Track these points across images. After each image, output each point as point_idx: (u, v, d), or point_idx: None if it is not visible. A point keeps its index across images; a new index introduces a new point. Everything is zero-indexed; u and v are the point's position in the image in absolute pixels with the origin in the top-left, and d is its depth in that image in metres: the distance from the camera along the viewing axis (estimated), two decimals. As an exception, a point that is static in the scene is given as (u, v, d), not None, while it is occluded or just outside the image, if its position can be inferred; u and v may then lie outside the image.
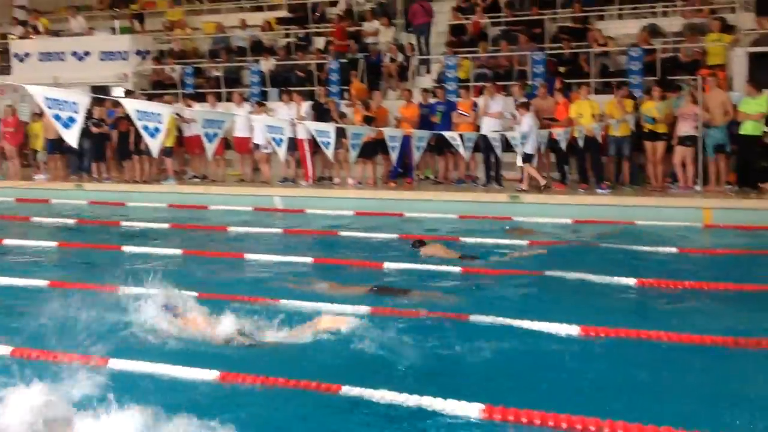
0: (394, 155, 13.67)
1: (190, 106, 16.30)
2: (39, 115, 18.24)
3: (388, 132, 13.05)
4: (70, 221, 13.89)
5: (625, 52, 16.13)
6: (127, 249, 10.91)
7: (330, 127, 11.34)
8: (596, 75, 16.29)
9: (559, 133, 13.92)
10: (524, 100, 14.85)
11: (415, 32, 18.99)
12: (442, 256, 10.07)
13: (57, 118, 7.05)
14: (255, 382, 5.83)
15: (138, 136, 16.57)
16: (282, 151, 11.24)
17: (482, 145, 14.81)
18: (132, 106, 8.09)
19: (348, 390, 5.62)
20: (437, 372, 6.20)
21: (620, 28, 17.75)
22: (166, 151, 16.87)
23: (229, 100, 17.78)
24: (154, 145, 8.15)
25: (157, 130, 7.88)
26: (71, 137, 7.24)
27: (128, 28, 22.07)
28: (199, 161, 17.22)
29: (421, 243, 10.47)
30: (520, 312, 7.42)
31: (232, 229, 12.80)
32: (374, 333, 7.09)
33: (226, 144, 16.91)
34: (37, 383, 4.63)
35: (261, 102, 17.35)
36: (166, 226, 13.16)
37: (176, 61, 20.26)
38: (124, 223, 13.50)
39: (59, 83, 17.43)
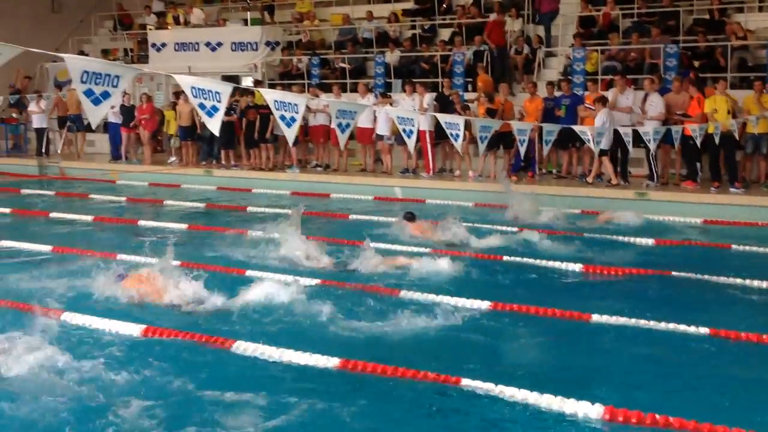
0: (522, 149, 13.55)
1: (317, 96, 16.55)
2: (173, 103, 19.03)
3: (517, 125, 12.90)
4: (200, 205, 14.39)
5: (765, 45, 15.30)
6: (253, 233, 11.20)
7: (460, 119, 11.30)
8: (734, 69, 15.54)
9: (694, 129, 13.35)
10: (600, 94, 14.60)
11: (542, 21, 18.65)
12: (427, 237, 10.56)
13: (201, 107, 7.33)
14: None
15: (264, 125, 17.08)
16: (411, 143, 11.30)
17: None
18: (271, 96, 8.31)
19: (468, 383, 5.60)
20: (561, 371, 6.09)
21: (761, 21, 16.86)
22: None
23: (353, 90, 17.97)
24: (291, 134, 8.33)
25: (293, 119, 8.06)
26: (214, 125, 7.51)
27: (259, 19, 22.63)
28: (322, 150, 17.49)
29: (412, 217, 10.99)
30: (646, 312, 7.20)
31: (353, 216, 12.94)
32: (490, 327, 7.05)
33: (349, 134, 17.12)
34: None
35: (385, 93, 17.45)
36: (289, 212, 13.40)
37: (304, 51, 20.63)
38: (249, 209, 13.87)
39: (192, 72, 18.02)
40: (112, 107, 17.76)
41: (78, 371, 5.85)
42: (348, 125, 9.12)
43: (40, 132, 20.12)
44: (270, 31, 21.46)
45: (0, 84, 20.41)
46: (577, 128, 13.83)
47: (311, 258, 9.42)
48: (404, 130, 11.07)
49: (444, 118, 11.72)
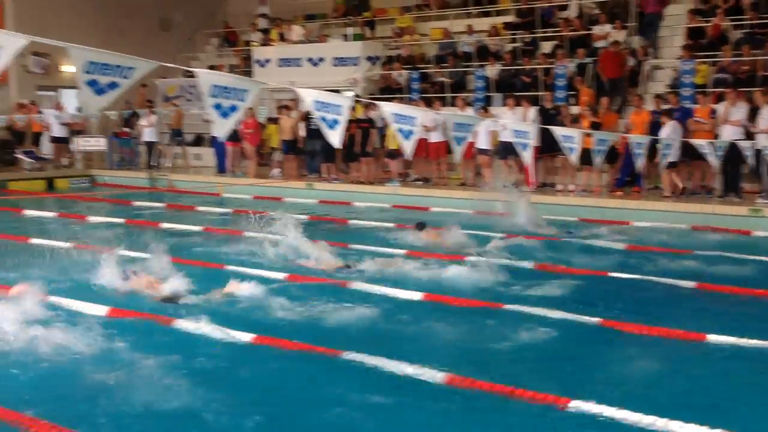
0: (639, 162, 13.30)
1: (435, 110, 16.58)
2: (274, 118, 19.45)
3: (634, 139, 12.65)
4: (302, 217, 14.59)
5: None
6: (353, 246, 11.29)
7: (576, 132, 11.14)
8: None
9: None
10: (711, 107, 14.36)
11: (646, 25, 18.22)
12: (438, 243, 11.13)
13: (323, 120, 7.46)
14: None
15: (365, 139, 17.24)
16: (528, 156, 11.22)
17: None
18: (389, 110, 8.39)
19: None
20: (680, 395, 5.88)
21: None
22: (390, 154, 17.37)
23: (452, 105, 17.95)
24: (408, 146, 8.39)
25: (411, 132, 8.12)
26: (335, 138, 7.64)
27: (360, 35, 22.91)
28: (422, 164, 17.52)
29: (422, 226, 11.76)
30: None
31: (454, 230, 12.84)
32: (598, 345, 6.89)
33: (448, 148, 17.11)
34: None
35: (485, 107, 17.37)
36: (390, 225, 13.48)
37: (403, 66, 20.76)
38: (351, 222, 14.00)
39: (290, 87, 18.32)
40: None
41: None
42: (464, 138, 9.12)
43: (150, 145, 20.87)
44: (370, 47, 21.69)
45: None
46: (695, 142, 13.45)
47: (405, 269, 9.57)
48: (520, 144, 10.99)
49: (560, 131, 11.57)
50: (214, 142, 20.42)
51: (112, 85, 5.93)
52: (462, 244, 11.15)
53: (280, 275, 9.38)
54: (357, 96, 19.82)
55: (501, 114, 16.64)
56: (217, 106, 6.60)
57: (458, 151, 9.35)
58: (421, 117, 8.40)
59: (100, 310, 7.79)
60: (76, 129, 21.57)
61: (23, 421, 5.16)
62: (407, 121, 8.09)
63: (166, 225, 13.36)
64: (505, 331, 7.28)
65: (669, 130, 14.06)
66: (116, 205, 17.08)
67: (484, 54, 20.18)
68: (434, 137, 16.68)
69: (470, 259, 10.30)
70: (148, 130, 20.77)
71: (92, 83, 5.90)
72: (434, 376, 5.99)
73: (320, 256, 10.08)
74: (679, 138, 13.80)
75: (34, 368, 6.29)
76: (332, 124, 7.44)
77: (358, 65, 21.15)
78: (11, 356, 6.50)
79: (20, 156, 20.47)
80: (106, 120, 21.65)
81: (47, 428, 5.04)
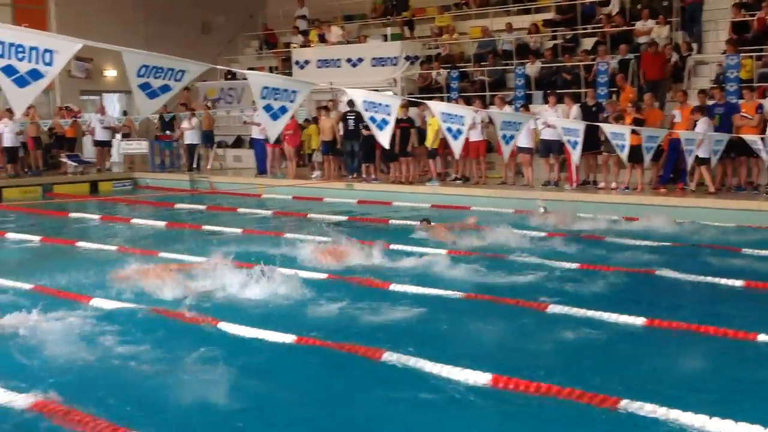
0: (690, 159, 13.12)
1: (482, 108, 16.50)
2: (315, 118, 19.51)
3: (685, 135, 12.49)
4: (342, 218, 14.62)
5: None
6: (394, 246, 11.25)
7: (625, 129, 11.01)
8: None
9: None
10: (759, 102, 13.96)
11: (688, 19, 17.93)
12: (442, 239, 11.44)
13: (373, 120, 7.46)
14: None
15: (405, 139, 17.20)
16: (577, 154, 11.11)
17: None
18: (438, 109, 8.37)
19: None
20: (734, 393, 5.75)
21: None
22: (430, 153, 17.32)
23: (492, 103, 17.83)
24: (457, 146, 8.37)
25: (459, 131, 8.10)
26: (384, 138, 7.63)
27: (399, 34, 22.88)
28: (461, 163, 17.43)
29: (428, 222, 12.26)
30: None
31: (495, 229, 12.76)
32: (645, 344, 6.77)
33: (487, 147, 17.03)
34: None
35: (525, 105, 17.23)
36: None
37: (443, 65, 20.68)
38: (391, 222, 13.97)
39: (333, 88, 18.39)
40: (259, 124, 18.33)
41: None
42: (512, 137, 9.05)
43: (191, 148, 21.07)
44: (409, 46, 21.64)
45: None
46: (747, 137, 13.21)
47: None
48: (569, 141, 10.87)
49: (612, 129, 11.45)
50: (253, 143, 20.55)
51: (164, 88, 6.00)
52: (472, 240, 11.40)
53: (322, 275, 9.38)
54: (396, 95, 19.83)
55: (542, 112, 16.49)
56: (268, 108, 6.63)
57: (506, 150, 9.28)
58: (469, 116, 8.33)
59: (144, 310, 7.86)
60: (123, 132, 21.88)
61: (81, 419, 5.19)
62: (456, 121, 8.06)
63: (207, 227, 13.44)
64: (550, 331, 7.21)
65: (702, 126, 13.88)
66: (158, 207, 17.27)
67: (524, 52, 20.03)
68: (474, 136, 16.59)
69: (513, 258, 10.21)
70: (189, 132, 20.96)
71: (144, 86, 5.98)
72: (478, 377, 5.92)
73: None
74: (711, 134, 13.57)
75: (85, 368, 6.37)
76: (382, 125, 7.43)
77: (397, 65, 21.11)
78: (64, 357, 6.57)
79: (64, 159, 20.78)
80: (148, 123, 21.90)
81: (106, 428, 5.06)
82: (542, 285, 8.91)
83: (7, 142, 19.46)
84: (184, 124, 21.01)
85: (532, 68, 19.01)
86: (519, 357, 6.56)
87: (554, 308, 7.81)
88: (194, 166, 21.08)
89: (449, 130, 8.11)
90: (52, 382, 5.76)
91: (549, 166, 16.35)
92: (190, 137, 20.98)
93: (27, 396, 5.52)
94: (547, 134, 15.81)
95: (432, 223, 12.35)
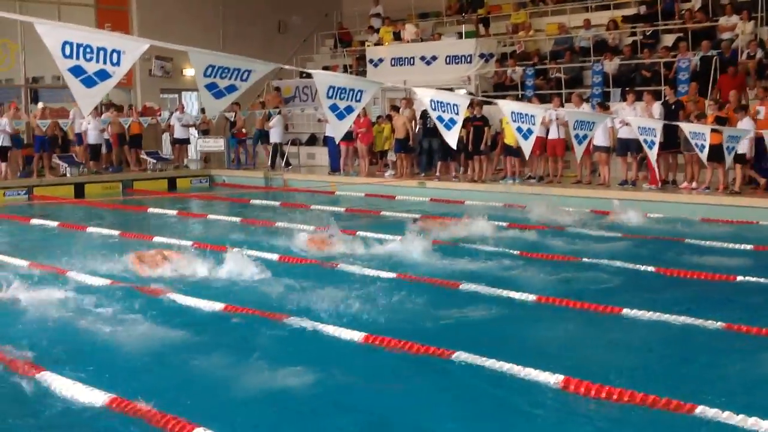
0: None
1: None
2: (388, 116, 19.51)
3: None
4: (415, 216, 14.53)
5: None
6: (464, 245, 11.16)
7: (705, 129, 10.66)
8: None
9: None
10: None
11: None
12: (433, 233, 11.78)
13: (440, 119, 7.39)
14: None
15: (477, 137, 17.04)
16: (654, 154, 10.82)
17: None
18: (508, 108, 8.26)
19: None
20: None
21: None
22: (506, 151, 17.13)
23: (568, 101, 17.52)
24: (527, 146, 8.22)
25: (530, 131, 7.95)
26: (451, 138, 7.55)
27: (473, 32, 22.69)
28: (537, 162, 17.17)
29: (417, 221, 12.79)
30: None
31: (569, 230, 12.55)
32: (723, 349, 6.53)
33: (566, 146, 16.72)
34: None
35: (602, 103, 16.85)
36: (503, 224, 13.24)
37: (518, 62, 20.42)
38: (463, 221, 13.80)
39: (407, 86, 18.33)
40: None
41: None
42: (585, 137, 8.83)
43: (275, 146, 21.31)
44: (484, 44, 21.42)
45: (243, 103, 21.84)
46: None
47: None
48: (645, 141, 10.56)
49: (691, 128, 11.09)
50: (327, 141, 20.67)
51: (230, 88, 6.00)
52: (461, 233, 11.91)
53: (392, 274, 9.35)
54: (471, 94, 19.67)
55: (620, 110, 16.12)
56: (334, 107, 6.62)
57: (579, 150, 9.07)
58: (540, 115, 8.15)
59: (216, 306, 7.97)
60: (202, 129, 22.32)
61: (145, 413, 5.27)
62: (526, 120, 7.89)
63: (280, 224, 13.54)
64: (624, 335, 7.05)
65: (747, 125, 13.54)
66: (234, 204, 17.53)
67: (601, 48, 19.62)
68: (552, 134, 16.32)
69: (586, 261, 10.00)
70: (273, 130, 21.24)
71: (211, 86, 5.98)
72: (549, 379, 5.80)
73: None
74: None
75: (144, 359, 6.50)
76: (449, 124, 7.34)
77: (471, 63, 20.91)
78: (124, 348, 6.73)
79: (144, 157, 21.29)
80: (224, 121, 22.25)
81: (168, 421, 5.13)
82: (618, 288, 8.70)
83: (91, 139, 20.05)
84: (271, 122, 21.30)
85: (610, 65, 18.60)
86: (590, 360, 6.43)
87: (629, 312, 7.61)
88: (278, 163, 21.28)
89: (519, 129, 7.95)
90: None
91: (626, 165, 15.95)
92: (275, 135, 21.24)
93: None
94: (624, 133, 15.43)
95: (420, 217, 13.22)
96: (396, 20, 24.66)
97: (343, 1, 28.32)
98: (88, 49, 4.94)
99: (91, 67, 4.95)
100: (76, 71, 4.94)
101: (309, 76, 22.84)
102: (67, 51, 4.89)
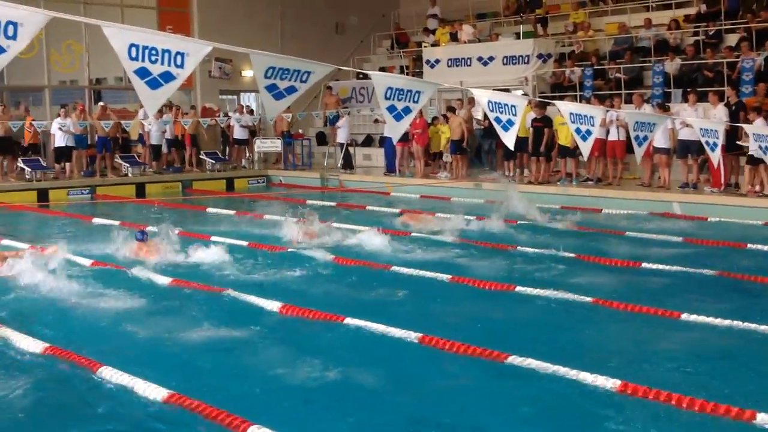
0: None
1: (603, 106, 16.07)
2: (444, 116, 19.47)
3: None
4: (470, 218, 14.47)
5: None
6: (520, 248, 11.09)
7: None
8: None
9: None
10: None
11: None
12: (418, 225, 12.97)
13: (497, 121, 7.38)
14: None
15: (537, 138, 16.91)
16: (716, 156, 10.62)
17: None
18: (567, 109, 8.20)
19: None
20: None
21: None
22: (562, 152, 16.97)
23: (628, 102, 17.27)
24: (586, 147, 8.18)
25: (589, 132, 7.89)
26: (509, 139, 7.53)
27: (531, 32, 22.52)
28: (594, 163, 16.95)
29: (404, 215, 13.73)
30: None
31: (629, 233, 12.38)
32: None
33: (625, 147, 16.47)
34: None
35: (662, 104, 16.56)
36: (559, 227, 13.14)
37: (576, 63, 20.20)
38: (519, 222, 13.73)
39: (464, 87, 18.28)
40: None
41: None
42: (646, 138, 8.69)
43: (342, 147, 21.44)
44: (542, 44, 21.24)
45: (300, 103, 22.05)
46: None
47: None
48: (707, 143, 10.34)
49: (753, 129, 10.83)
50: (383, 142, 20.72)
51: (290, 90, 6.07)
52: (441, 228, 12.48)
53: (446, 276, 9.34)
54: (525, 94, 19.52)
55: (681, 111, 15.82)
56: (391, 108, 6.65)
57: (639, 151, 8.94)
58: (600, 116, 8.06)
59: (274, 305, 8.06)
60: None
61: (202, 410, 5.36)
62: (585, 121, 7.81)
63: (337, 225, 13.61)
64: (682, 339, 6.92)
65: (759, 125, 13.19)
66: (290, 204, 17.67)
67: (663, 48, 19.29)
68: (612, 135, 16.11)
69: (645, 264, 9.85)
70: (340, 130, 21.41)
71: (271, 88, 6.05)
72: (607, 383, 5.74)
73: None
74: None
75: (204, 356, 6.62)
76: (507, 126, 7.32)
77: (529, 63, 20.75)
78: (184, 344, 6.86)
79: (203, 157, 21.62)
80: (282, 122, 22.47)
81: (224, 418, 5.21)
82: (675, 292, 8.57)
83: (154, 140, 20.47)
84: (339, 123, 21.48)
85: (672, 65, 18.27)
86: (649, 364, 6.36)
87: (688, 317, 7.48)
88: (341, 163, 21.42)
89: (578, 131, 7.87)
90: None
91: (687, 167, 15.66)
92: (342, 136, 21.41)
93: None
94: (685, 134, 15.15)
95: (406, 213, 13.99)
96: (453, 21, 24.60)
97: (401, 2, 28.37)
98: (153, 52, 5.06)
99: (156, 69, 5.07)
100: (142, 73, 5.06)
101: (365, 77, 23.13)
102: (133, 53, 5.01)
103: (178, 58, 5.14)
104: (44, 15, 4.63)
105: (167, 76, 5.15)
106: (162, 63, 5.09)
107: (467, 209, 14.64)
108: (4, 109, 19.27)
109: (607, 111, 15.03)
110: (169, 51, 5.11)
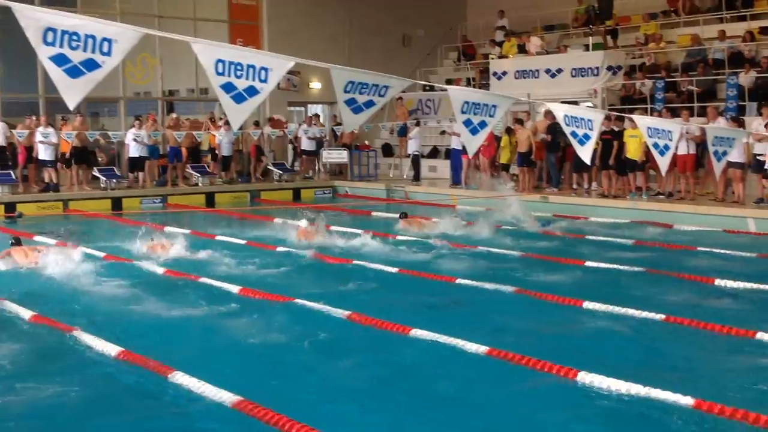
0: None
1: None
2: (508, 128, 19.38)
3: None
4: (535, 230, 14.37)
5: None
6: (588, 263, 10.96)
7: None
8: None
9: None
10: None
11: None
12: (417, 231, 13.21)
13: (573, 135, 7.33)
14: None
15: (607, 151, 16.70)
16: None
17: None
18: (644, 123, 8.12)
19: None
20: None
21: None
22: (632, 166, 16.72)
23: (701, 115, 16.94)
24: (664, 162, 8.03)
25: (666, 147, 7.75)
26: (585, 154, 7.48)
27: (601, 44, 22.27)
28: (665, 177, 16.64)
29: (405, 215, 14.03)
30: None
31: (700, 249, 12.13)
32: None
33: (696, 161, 16.15)
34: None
35: (736, 117, 16.20)
36: (628, 242, 12.95)
37: (647, 75, 19.89)
38: (587, 237, 13.58)
39: (533, 100, 18.19)
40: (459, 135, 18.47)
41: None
42: (725, 153, 8.47)
43: (414, 158, 21.60)
44: (612, 56, 20.99)
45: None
46: None
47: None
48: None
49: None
50: (451, 153, 20.72)
51: (369, 104, 6.16)
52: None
53: (510, 288, 9.30)
54: (592, 106, 19.30)
55: (753, 124, 15.45)
56: (468, 123, 6.67)
57: (718, 167, 8.76)
58: (678, 131, 7.92)
59: (342, 313, 8.14)
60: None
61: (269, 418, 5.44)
62: (663, 135, 7.68)
63: (401, 237, 13.66)
64: (757, 358, 6.76)
65: None
66: (356, 215, 17.80)
67: (737, 60, 18.87)
68: (681, 149, 15.81)
69: (719, 283, 9.63)
70: (411, 141, 21.54)
71: (350, 102, 6.14)
72: (679, 400, 5.64)
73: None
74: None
75: (268, 362, 6.76)
76: (583, 140, 7.25)
77: (598, 75, 20.52)
78: (251, 350, 6.98)
79: (271, 168, 21.94)
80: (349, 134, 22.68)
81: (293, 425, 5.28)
82: (749, 310, 8.37)
83: (224, 151, 20.87)
84: (410, 134, 21.62)
85: (746, 78, 17.87)
86: (723, 382, 6.22)
87: (763, 335, 7.29)
88: (408, 174, 21.51)
89: (656, 145, 7.73)
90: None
91: (762, 182, 15.26)
92: (413, 146, 21.59)
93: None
94: (760, 148, 14.80)
95: (409, 216, 14.09)
96: (520, 33, 24.49)
97: (469, 14, 28.37)
98: (238, 67, 5.19)
99: (241, 84, 5.20)
100: (228, 87, 5.19)
101: (432, 89, 23.20)
102: (220, 68, 5.14)
103: (263, 73, 5.26)
104: (136, 32, 4.79)
105: (251, 91, 5.26)
106: (247, 78, 5.21)
107: (531, 222, 14.52)
108: (83, 120, 19.88)
109: (684, 125, 14.77)
110: (253, 66, 5.22)
